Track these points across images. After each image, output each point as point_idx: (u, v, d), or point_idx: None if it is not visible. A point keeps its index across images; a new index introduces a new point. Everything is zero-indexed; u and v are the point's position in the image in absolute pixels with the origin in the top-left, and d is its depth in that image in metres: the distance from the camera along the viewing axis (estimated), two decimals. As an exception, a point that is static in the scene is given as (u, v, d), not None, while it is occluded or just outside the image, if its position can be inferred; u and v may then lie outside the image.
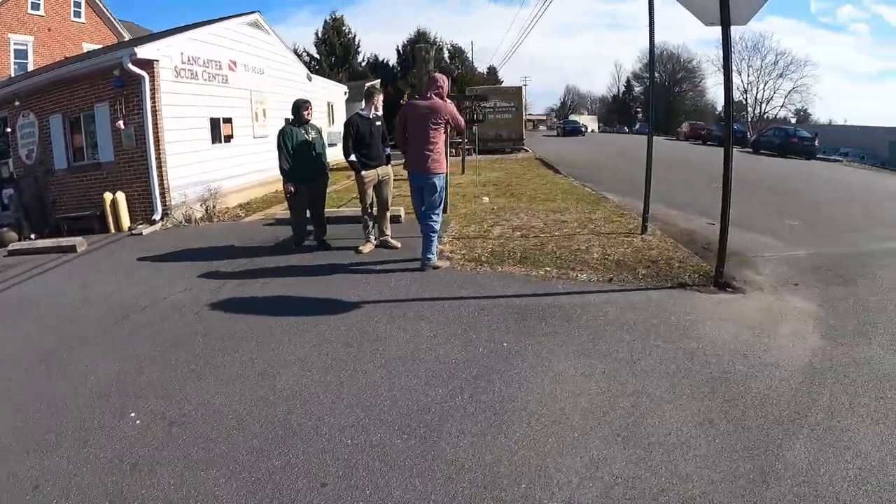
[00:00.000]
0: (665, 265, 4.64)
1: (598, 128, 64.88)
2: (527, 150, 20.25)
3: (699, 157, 18.41)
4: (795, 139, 21.20)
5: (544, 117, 77.92)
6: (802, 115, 53.56)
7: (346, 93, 17.23)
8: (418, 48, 16.14)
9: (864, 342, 3.14)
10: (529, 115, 75.79)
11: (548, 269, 4.55)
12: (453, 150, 16.72)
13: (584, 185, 10.22)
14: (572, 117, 74.83)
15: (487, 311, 3.65)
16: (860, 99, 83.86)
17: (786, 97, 51.31)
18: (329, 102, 15.87)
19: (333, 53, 33.29)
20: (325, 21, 34.74)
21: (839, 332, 3.28)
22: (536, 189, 9.62)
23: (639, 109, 62.92)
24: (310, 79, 13.60)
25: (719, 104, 58.39)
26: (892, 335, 3.25)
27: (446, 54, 38.84)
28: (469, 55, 42.85)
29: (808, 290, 4.11)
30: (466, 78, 36.01)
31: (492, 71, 42.80)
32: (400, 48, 35.94)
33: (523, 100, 20.49)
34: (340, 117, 16.84)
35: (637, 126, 53.51)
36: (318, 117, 14.43)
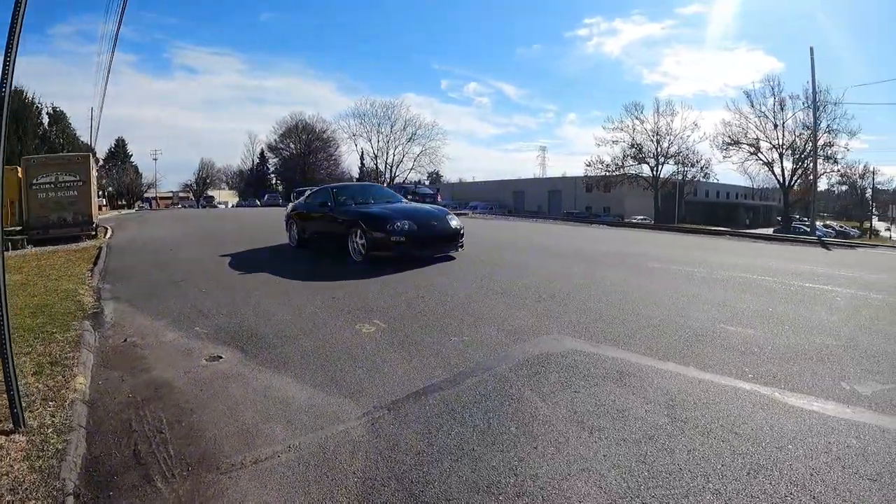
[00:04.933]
0: None
1: (237, 203, 60.16)
2: (103, 234, 15.72)
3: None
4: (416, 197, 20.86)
5: (171, 195, 68.08)
6: (435, 177, 65.49)
7: None
8: None
9: None
10: (169, 192, 66.41)
11: None
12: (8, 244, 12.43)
13: (102, 287, 7.11)
14: (211, 192, 63.66)
15: None
16: (485, 159, 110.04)
17: (415, 160, 58.27)
18: None
19: None
20: None
21: None
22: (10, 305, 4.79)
23: (277, 181, 60.66)
24: None
25: (354, 171, 62.91)
26: None
27: (46, 119, 34.77)
28: (85, 123, 38.58)
29: None
30: (64, 148, 32.42)
31: (120, 143, 38.64)
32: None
33: (92, 171, 16.01)
34: None
35: (266, 197, 49.79)
36: None
